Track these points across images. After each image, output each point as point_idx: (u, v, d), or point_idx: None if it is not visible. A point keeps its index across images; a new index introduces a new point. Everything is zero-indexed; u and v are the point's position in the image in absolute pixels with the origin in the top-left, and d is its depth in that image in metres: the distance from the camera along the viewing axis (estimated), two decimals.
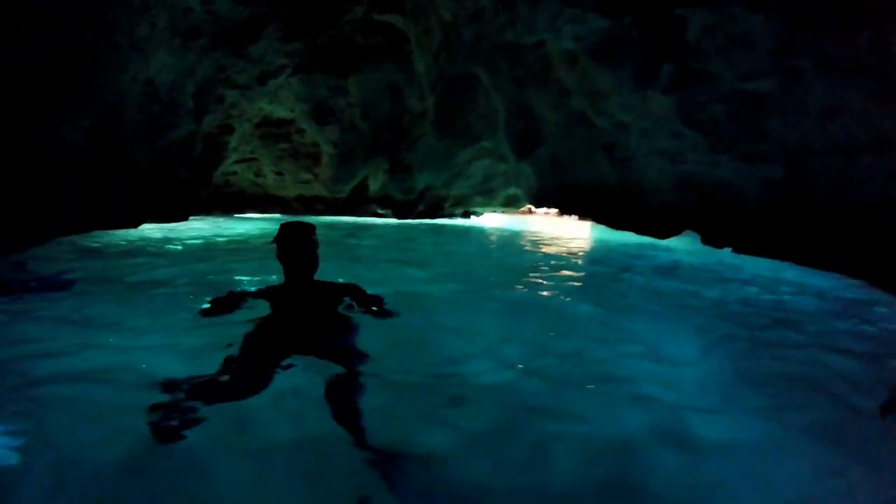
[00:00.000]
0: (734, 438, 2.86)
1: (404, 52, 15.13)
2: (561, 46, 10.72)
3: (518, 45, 12.30)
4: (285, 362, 3.07)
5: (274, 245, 3.68)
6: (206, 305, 3.72)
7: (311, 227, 3.72)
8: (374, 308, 3.86)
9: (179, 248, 9.07)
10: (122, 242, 9.32)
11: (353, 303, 3.87)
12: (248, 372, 3.01)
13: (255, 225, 13.49)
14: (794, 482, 2.54)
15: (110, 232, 10.20)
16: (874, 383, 3.60)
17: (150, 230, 11.09)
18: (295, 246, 3.62)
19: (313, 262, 3.70)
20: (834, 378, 3.80)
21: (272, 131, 16.56)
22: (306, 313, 3.62)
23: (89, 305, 4.69)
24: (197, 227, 12.47)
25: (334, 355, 3.21)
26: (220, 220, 15.05)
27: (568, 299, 6.46)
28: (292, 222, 3.76)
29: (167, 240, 9.85)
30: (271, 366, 3.02)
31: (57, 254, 7.62)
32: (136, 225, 10.88)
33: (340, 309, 3.78)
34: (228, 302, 3.64)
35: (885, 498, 2.28)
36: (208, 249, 9.09)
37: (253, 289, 3.93)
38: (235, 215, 17.17)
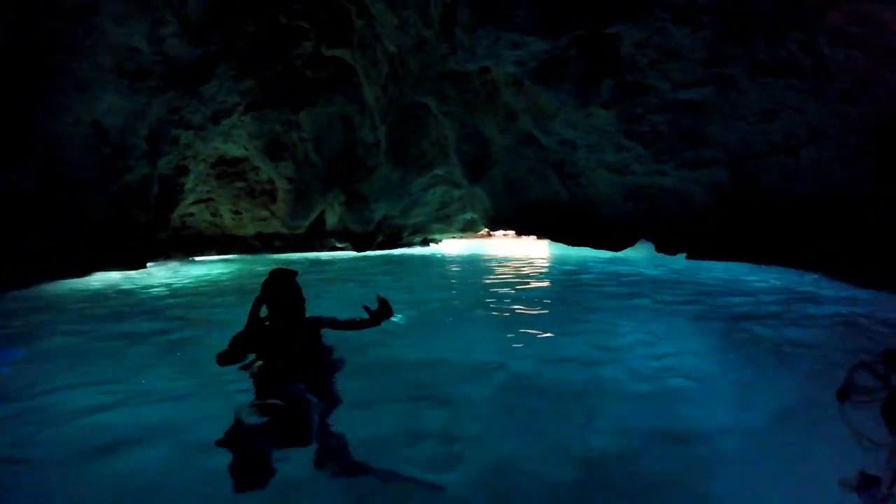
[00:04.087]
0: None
1: (354, 84, 15.32)
2: (504, 71, 11.02)
3: (464, 72, 12.59)
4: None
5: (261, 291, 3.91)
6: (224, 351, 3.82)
7: (293, 273, 3.96)
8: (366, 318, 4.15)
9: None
10: (69, 295, 9.01)
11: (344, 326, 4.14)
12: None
13: (212, 268, 13.27)
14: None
15: (63, 283, 9.80)
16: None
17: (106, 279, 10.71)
18: (280, 291, 3.86)
19: (299, 304, 3.92)
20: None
21: (228, 170, 16.43)
22: (296, 350, 3.86)
23: None
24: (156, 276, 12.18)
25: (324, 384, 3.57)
26: (178, 264, 14.72)
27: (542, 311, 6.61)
28: (276, 269, 3.99)
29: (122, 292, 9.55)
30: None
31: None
32: (84, 274, 10.59)
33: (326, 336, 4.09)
34: (240, 347, 3.77)
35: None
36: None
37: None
38: (195, 258, 16.88)
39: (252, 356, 3.80)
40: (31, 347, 5.06)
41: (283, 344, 3.85)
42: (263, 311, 3.87)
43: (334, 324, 4.17)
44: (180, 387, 3.83)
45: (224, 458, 2.66)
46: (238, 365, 3.72)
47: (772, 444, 2.75)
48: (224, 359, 3.63)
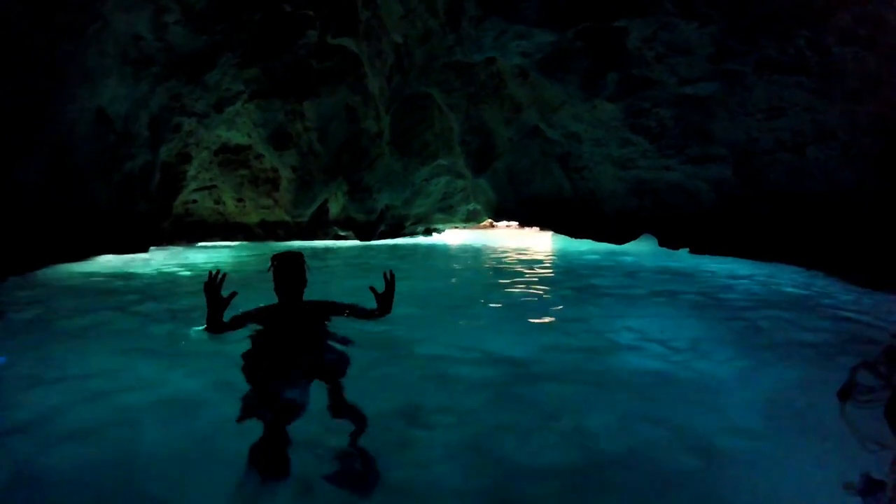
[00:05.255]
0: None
1: (359, 74, 15.27)
2: (510, 62, 11.00)
3: (469, 64, 12.55)
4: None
5: (269, 272, 4.04)
6: (202, 327, 3.88)
7: (300, 256, 4.08)
8: (367, 311, 4.23)
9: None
10: (76, 277, 9.00)
11: (349, 313, 4.24)
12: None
13: (212, 254, 13.29)
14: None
15: (63, 267, 9.81)
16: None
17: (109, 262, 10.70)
18: (289, 273, 4.00)
19: (303, 285, 4.05)
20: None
21: (231, 158, 16.44)
22: (301, 329, 3.97)
23: None
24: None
25: (331, 366, 3.52)
26: (181, 250, 14.76)
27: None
28: (284, 252, 4.11)
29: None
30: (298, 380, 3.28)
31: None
32: (85, 258, 10.70)
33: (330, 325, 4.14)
34: (234, 321, 3.89)
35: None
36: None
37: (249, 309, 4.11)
38: (197, 244, 16.92)
39: (253, 330, 3.87)
40: (32, 335, 5.07)
41: (288, 321, 3.96)
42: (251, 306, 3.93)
43: (340, 309, 4.21)
44: (178, 371, 3.84)
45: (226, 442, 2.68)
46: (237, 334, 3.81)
47: (777, 443, 2.77)
48: (215, 328, 3.73)
